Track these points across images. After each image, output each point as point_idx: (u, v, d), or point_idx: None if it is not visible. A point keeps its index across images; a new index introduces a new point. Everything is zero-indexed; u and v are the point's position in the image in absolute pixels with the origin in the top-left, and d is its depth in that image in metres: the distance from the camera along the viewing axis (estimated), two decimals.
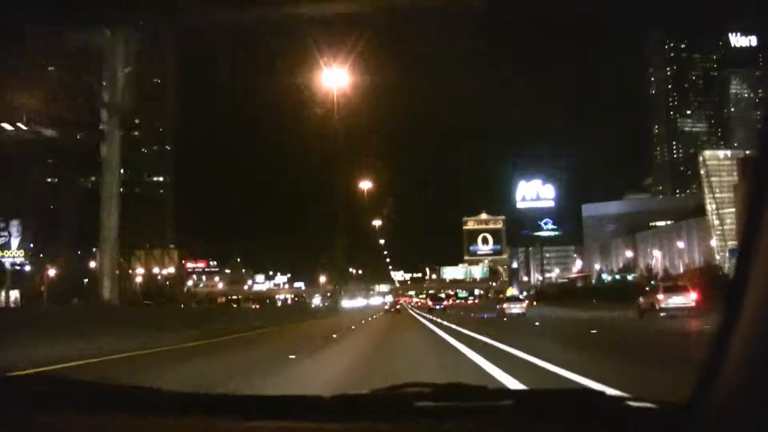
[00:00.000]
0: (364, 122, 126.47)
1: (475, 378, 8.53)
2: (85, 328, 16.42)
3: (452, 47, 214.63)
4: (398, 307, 75.33)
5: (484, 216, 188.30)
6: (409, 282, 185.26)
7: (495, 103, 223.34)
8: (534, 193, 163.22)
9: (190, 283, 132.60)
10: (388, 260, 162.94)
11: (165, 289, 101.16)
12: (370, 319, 44.80)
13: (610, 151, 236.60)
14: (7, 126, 63.02)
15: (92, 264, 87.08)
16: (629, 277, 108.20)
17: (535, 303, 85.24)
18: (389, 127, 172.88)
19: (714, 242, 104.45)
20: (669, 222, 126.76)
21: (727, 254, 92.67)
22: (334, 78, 59.98)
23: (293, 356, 13.22)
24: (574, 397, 1.91)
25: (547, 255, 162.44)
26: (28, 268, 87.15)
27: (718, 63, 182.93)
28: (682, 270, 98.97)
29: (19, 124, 63.43)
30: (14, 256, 78.99)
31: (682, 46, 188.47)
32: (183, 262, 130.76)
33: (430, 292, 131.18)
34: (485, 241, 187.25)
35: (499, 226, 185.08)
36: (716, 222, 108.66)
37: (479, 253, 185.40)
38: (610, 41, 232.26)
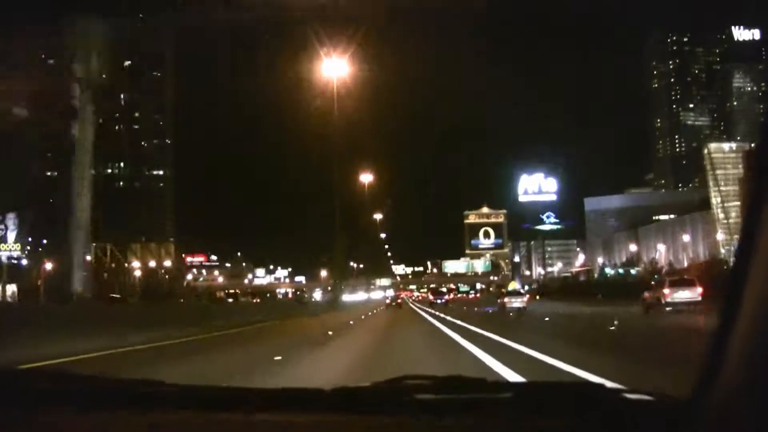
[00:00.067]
0: (365, 122, 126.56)
1: (476, 372, 8.02)
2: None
3: (452, 47, 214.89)
4: (399, 301, 74.82)
5: (485, 210, 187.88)
6: (410, 276, 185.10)
7: (495, 103, 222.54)
8: (536, 186, 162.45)
9: (189, 277, 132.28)
10: (389, 254, 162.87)
11: (164, 284, 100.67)
12: (370, 314, 44.27)
13: (610, 151, 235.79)
14: None
15: (87, 258, 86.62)
16: (632, 272, 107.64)
17: (537, 297, 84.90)
18: (389, 126, 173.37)
19: (720, 236, 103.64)
20: (672, 216, 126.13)
21: (732, 248, 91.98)
22: (334, 72, 59.68)
23: (278, 357, 12.17)
24: (573, 390, 1.92)
25: (549, 249, 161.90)
26: (25, 262, 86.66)
27: (720, 57, 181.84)
28: (686, 264, 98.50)
29: None
30: (11, 249, 78.43)
31: (685, 39, 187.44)
32: (183, 256, 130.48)
33: (432, 286, 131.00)
34: (487, 235, 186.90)
35: (501, 219, 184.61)
36: (721, 215, 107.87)
37: (481, 247, 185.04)
38: (610, 41, 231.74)
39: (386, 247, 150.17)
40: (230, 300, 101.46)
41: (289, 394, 1.94)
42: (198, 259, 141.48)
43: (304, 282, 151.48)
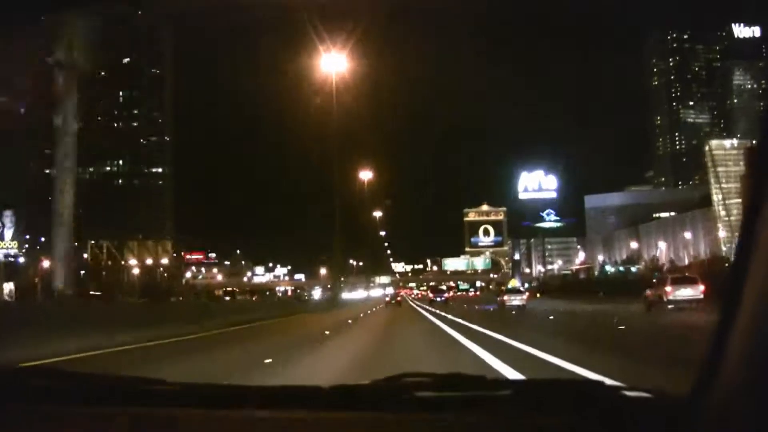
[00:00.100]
0: (365, 121, 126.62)
1: (476, 371, 7.72)
2: None
3: (452, 47, 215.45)
4: (399, 299, 74.46)
5: (485, 207, 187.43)
6: (410, 274, 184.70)
7: (495, 103, 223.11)
8: (536, 183, 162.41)
9: (188, 275, 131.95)
10: (389, 252, 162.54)
11: (163, 282, 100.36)
12: (369, 312, 43.89)
13: (610, 150, 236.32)
14: None
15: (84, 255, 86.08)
16: (633, 269, 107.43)
17: (538, 295, 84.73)
18: (389, 126, 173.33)
19: (722, 233, 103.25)
20: (672, 213, 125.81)
21: (733, 246, 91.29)
22: (334, 68, 59.41)
23: (269, 360, 11.58)
24: (572, 387, 1.94)
25: (549, 247, 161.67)
26: (22, 260, 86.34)
27: (721, 54, 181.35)
28: (687, 262, 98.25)
29: None
30: (8, 247, 77.97)
31: (685, 36, 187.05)
32: (182, 254, 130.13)
33: (431, 284, 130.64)
34: (486, 232, 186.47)
35: (501, 217, 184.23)
36: (722, 213, 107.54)
37: (480, 244, 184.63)
38: (610, 41, 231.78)
39: (386, 245, 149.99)
40: (227, 298, 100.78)
41: (288, 392, 1.96)
42: (195, 256, 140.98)
43: (303, 280, 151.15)
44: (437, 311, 39.76)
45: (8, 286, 74.58)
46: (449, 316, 29.39)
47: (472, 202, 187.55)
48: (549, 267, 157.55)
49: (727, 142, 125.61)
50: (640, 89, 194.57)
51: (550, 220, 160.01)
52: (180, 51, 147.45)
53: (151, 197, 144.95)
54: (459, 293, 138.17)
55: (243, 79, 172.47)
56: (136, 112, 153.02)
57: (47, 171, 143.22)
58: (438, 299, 67.88)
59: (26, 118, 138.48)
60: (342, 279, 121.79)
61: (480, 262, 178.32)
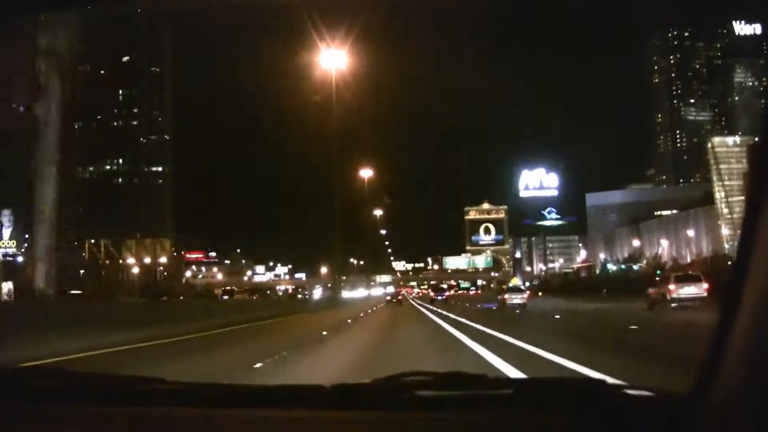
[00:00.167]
0: (366, 121, 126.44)
1: (478, 370, 7.42)
2: None
3: (452, 47, 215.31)
4: (400, 298, 74.16)
5: (486, 206, 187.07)
6: (410, 272, 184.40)
7: (495, 103, 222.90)
8: (537, 181, 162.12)
9: (188, 274, 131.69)
10: (389, 251, 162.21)
11: (162, 281, 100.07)
12: (369, 311, 43.50)
13: (610, 150, 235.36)
14: None
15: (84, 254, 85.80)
16: (635, 267, 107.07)
17: (540, 294, 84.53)
18: (389, 126, 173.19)
19: (725, 231, 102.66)
20: (674, 211, 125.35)
21: (736, 243, 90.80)
22: (333, 65, 59.19)
23: (258, 365, 10.85)
24: (574, 386, 1.94)
25: (550, 245, 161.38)
26: (20, 259, 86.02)
27: (722, 51, 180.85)
28: (689, 260, 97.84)
29: None
30: (6, 246, 77.60)
31: (686, 34, 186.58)
32: (182, 253, 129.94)
33: (432, 282, 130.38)
34: (487, 231, 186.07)
35: (502, 215, 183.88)
36: (725, 210, 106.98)
37: (481, 243, 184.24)
38: (610, 41, 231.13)
39: (387, 243, 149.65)
40: (225, 297, 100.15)
41: (289, 391, 1.97)
42: (194, 255, 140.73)
43: (304, 279, 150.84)
44: (438, 310, 39.48)
45: (7, 286, 74.17)
46: (451, 315, 28.98)
47: (473, 201, 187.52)
48: (550, 265, 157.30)
49: (730, 139, 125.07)
50: (641, 87, 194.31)
51: (552, 219, 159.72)
52: (180, 50, 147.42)
53: (151, 196, 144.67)
54: (460, 292, 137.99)
55: (243, 78, 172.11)
56: (136, 111, 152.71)
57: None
58: (439, 298, 67.72)
59: (25, 116, 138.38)
60: (342, 278, 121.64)
61: (481, 261, 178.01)
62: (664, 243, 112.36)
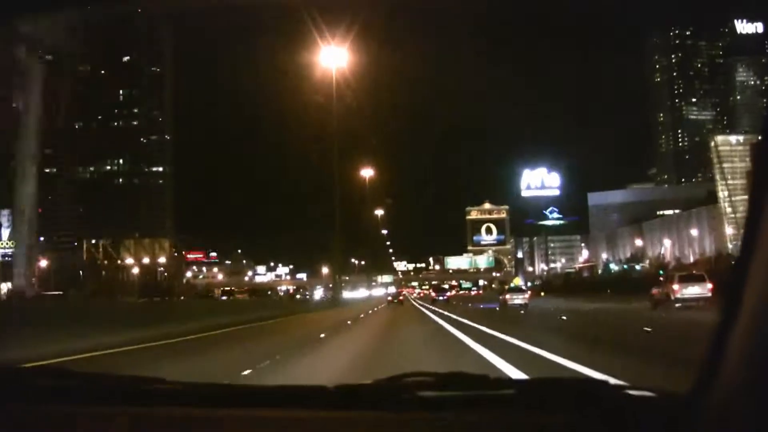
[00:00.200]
0: (365, 121, 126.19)
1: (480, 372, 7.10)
2: None
3: (452, 47, 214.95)
4: (401, 298, 73.88)
5: (487, 206, 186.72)
6: (412, 272, 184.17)
7: (495, 103, 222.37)
8: (539, 181, 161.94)
9: (189, 274, 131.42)
10: (390, 251, 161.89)
11: (162, 281, 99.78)
12: (370, 311, 43.02)
13: (610, 150, 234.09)
14: None
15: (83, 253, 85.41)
16: (637, 267, 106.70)
17: (542, 294, 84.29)
18: (389, 126, 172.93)
19: (729, 230, 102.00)
20: (676, 211, 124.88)
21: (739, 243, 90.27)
22: (333, 63, 58.97)
23: (247, 372, 10.07)
24: (575, 386, 1.95)
25: (552, 245, 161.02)
26: None
27: (723, 50, 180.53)
28: (692, 259, 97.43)
29: None
30: (5, 246, 77.16)
31: (687, 33, 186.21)
32: (183, 253, 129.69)
33: (434, 283, 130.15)
34: (489, 231, 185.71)
35: (503, 215, 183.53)
36: (729, 210, 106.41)
37: (483, 243, 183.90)
38: (610, 41, 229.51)
39: (388, 243, 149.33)
40: (224, 297, 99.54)
41: (291, 391, 1.97)
42: (194, 255, 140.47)
43: (305, 279, 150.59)
44: (440, 310, 39.11)
45: (6, 286, 73.90)
46: (453, 316, 28.53)
47: (474, 200, 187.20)
48: (552, 265, 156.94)
49: (733, 138, 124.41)
50: (641, 87, 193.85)
51: (553, 218, 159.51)
52: (180, 50, 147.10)
53: (151, 196, 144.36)
54: (461, 292, 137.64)
55: (243, 78, 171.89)
56: (136, 111, 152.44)
57: (46, 171, 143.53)
58: (440, 298, 67.62)
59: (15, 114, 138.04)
60: (344, 278, 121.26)
61: (483, 261, 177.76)
62: (667, 243, 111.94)
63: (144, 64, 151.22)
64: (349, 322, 27.38)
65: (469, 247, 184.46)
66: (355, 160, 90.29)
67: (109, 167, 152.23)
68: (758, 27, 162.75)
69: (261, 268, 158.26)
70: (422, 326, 24.17)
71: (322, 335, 18.66)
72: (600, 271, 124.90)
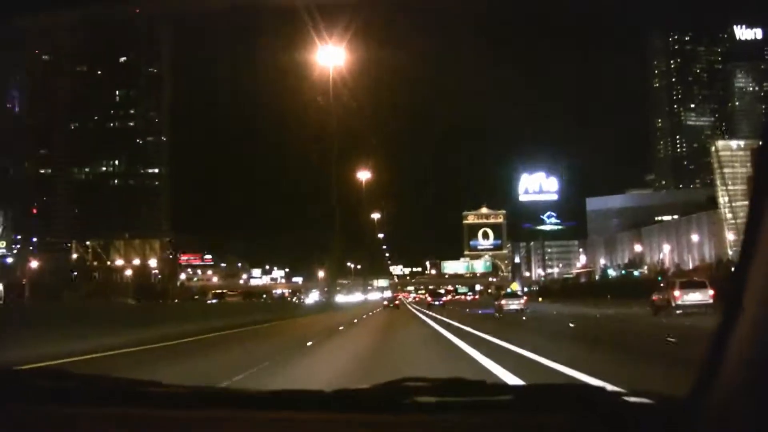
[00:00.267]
0: (365, 121, 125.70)
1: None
2: None
3: (452, 47, 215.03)
4: (397, 302, 73.49)
5: (484, 210, 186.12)
6: (408, 277, 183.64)
7: (495, 103, 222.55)
8: (537, 185, 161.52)
9: (183, 276, 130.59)
10: (387, 255, 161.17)
11: (156, 284, 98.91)
12: (364, 316, 42.07)
13: (610, 151, 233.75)
14: None
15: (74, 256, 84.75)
16: (636, 273, 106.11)
17: (540, 299, 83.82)
18: (389, 126, 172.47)
19: (730, 236, 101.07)
20: (675, 217, 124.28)
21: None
22: (332, 61, 58.43)
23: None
24: (573, 392, 1.95)
25: (549, 250, 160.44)
26: (10, 260, 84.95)
27: (722, 56, 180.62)
28: (691, 265, 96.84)
29: None
30: None
31: (686, 38, 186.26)
32: (177, 255, 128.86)
33: (430, 287, 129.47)
34: (486, 235, 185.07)
35: (500, 220, 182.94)
36: (729, 215, 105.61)
37: (480, 247, 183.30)
38: (610, 41, 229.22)
39: (384, 247, 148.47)
40: (213, 300, 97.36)
41: (289, 395, 1.95)
42: (187, 257, 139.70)
43: (301, 283, 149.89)
44: (437, 315, 38.37)
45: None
46: (454, 323, 27.49)
47: (472, 203, 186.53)
48: (549, 271, 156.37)
49: (734, 143, 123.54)
50: (641, 90, 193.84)
51: (551, 223, 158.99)
52: (179, 50, 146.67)
53: (147, 198, 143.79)
54: (458, 297, 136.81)
55: (243, 78, 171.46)
56: (133, 111, 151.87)
57: (41, 171, 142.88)
58: (436, 303, 67.24)
59: (20, 118, 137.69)
60: (340, 282, 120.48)
61: (480, 265, 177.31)
62: (666, 248, 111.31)
63: (142, 64, 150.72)
64: (341, 327, 26.18)
65: (466, 252, 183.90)
66: (354, 161, 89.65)
67: (105, 168, 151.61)
68: (757, 33, 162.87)
69: (256, 271, 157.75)
70: (419, 330, 23.74)
71: (309, 343, 17.11)
72: (597, 277, 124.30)
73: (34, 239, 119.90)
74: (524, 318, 34.72)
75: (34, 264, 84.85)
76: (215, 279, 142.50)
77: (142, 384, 2.06)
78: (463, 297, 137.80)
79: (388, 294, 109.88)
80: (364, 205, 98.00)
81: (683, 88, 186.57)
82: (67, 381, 2.16)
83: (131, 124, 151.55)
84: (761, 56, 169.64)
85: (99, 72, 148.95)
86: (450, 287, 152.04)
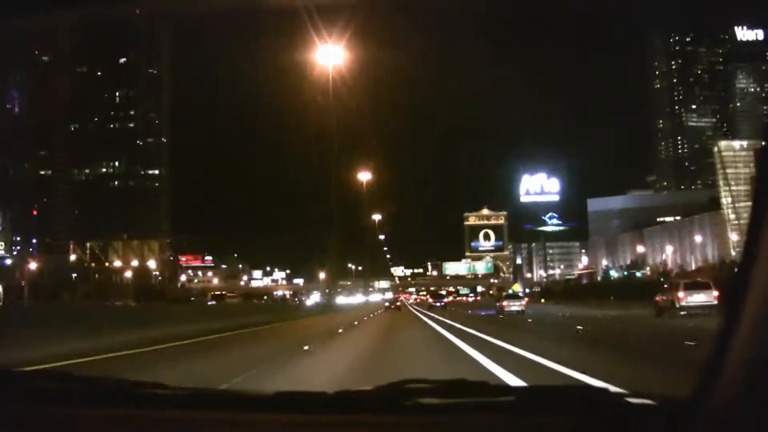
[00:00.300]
0: (365, 121, 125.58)
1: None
2: None
3: (452, 47, 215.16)
4: (398, 304, 73.18)
5: (485, 211, 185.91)
6: (409, 278, 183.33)
7: (495, 103, 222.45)
8: (538, 186, 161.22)
9: (184, 278, 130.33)
10: (388, 256, 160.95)
11: (156, 285, 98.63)
12: (365, 318, 41.32)
13: (610, 151, 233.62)
14: None
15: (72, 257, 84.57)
16: (638, 274, 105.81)
17: (543, 300, 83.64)
18: (389, 126, 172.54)
19: (734, 237, 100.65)
20: (677, 218, 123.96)
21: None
22: (331, 61, 58.26)
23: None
24: (575, 393, 1.96)
25: (551, 251, 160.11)
26: (9, 261, 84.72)
27: (723, 57, 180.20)
28: (694, 266, 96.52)
29: None
30: None
31: (687, 39, 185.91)
32: (178, 257, 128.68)
33: (431, 289, 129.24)
34: (487, 237, 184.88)
35: (501, 221, 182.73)
36: (732, 216, 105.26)
37: (481, 249, 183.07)
38: (610, 41, 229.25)
39: (385, 248, 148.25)
40: (212, 302, 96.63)
41: (291, 397, 1.95)
42: (186, 258, 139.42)
43: (302, 284, 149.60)
44: (438, 317, 38.06)
45: None
46: (457, 325, 27.07)
47: (473, 204, 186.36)
48: (551, 272, 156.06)
49: (737, 143, 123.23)
50: (642, 90, 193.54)
51: (553, 224, 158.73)
52: (179, 51, 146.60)
53: (147, 199, 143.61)
54: (459, 298, 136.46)
55: (243, 78, 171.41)
56: (132, 113, 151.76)
57: (41, 172, 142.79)
58: (437, 304, 67.08)
59: (20, 119, 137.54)
60: (346, 283, 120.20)
61: (482, 267, 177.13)
62: (669, 249, 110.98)
63: (142, 64, 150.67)
64: (341, 330, 25.47)
65: (467, 253, 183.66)
66: (354, 161, 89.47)
67: (105, 169, 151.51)
68: (758, 34, 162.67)
69: (257, 273, 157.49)
70: (422, 332, 23.51)
71: (306, 347, 16.34)
72: (599, 278, 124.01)
73: (34, 240, 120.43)
74: (529, 320, 33.10)
75: (33, 265, 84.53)
76: (216, 281, 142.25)
77: (144, 385, 2.06)
78: (464, 298, 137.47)
79: (389, 295, 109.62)
80: (364, 205, 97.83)
81: (684, 89, 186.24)
82: (68, 382, 2.16)
83: (131, 125, 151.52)
84: (762, 57, 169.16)
85: (99, 72, 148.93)
86: (451, 288, 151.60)
